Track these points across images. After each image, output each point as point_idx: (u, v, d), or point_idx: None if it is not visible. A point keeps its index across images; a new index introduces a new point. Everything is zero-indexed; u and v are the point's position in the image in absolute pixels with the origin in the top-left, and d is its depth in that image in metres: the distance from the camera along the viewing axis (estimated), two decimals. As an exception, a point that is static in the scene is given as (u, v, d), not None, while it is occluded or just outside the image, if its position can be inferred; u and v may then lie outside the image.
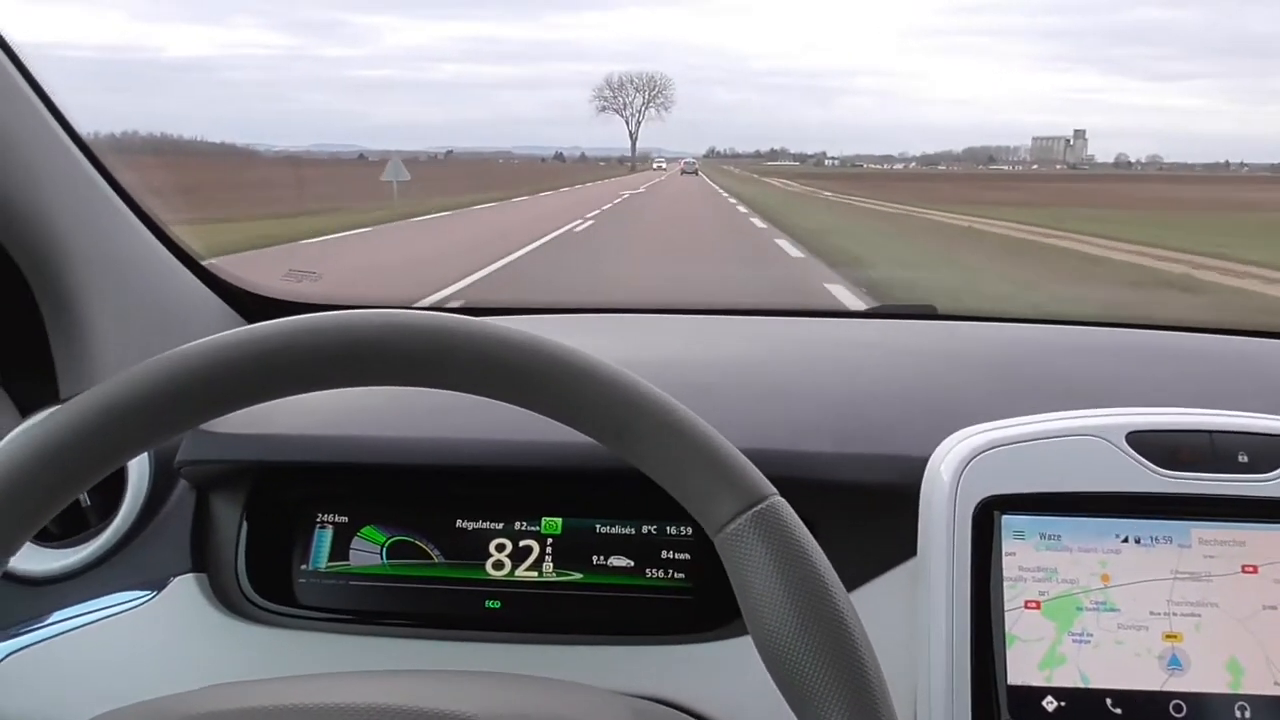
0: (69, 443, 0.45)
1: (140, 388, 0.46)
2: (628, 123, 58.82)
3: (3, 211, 0.82)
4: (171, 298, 1.03)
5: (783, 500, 0.46)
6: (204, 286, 1.07)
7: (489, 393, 0.48)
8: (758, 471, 0.47)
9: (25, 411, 0.88)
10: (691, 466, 0.46)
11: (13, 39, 0.81)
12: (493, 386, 0.48)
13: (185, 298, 1.05)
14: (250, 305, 1.12)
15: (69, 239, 0.87)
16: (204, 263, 1.08)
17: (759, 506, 0.45)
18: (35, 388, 0.91)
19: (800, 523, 0.46)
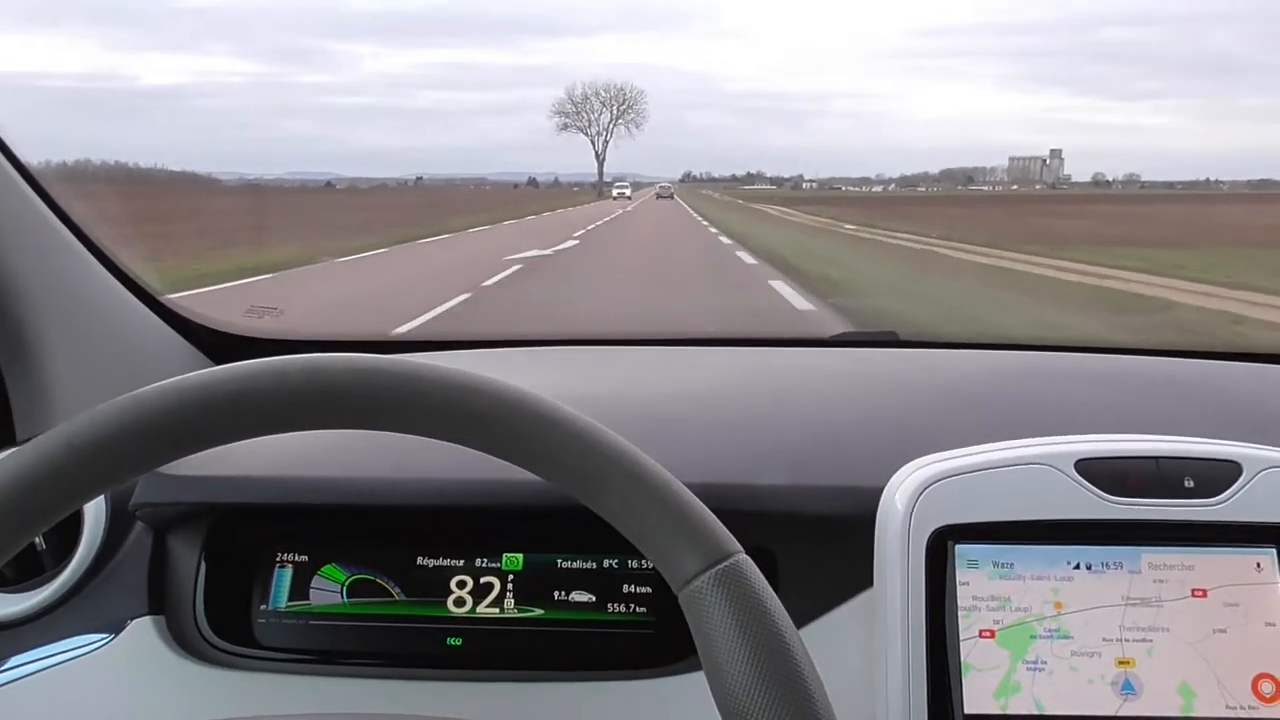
0: (32, 481, 0.45)
1: (105, 428, 0.46)
2: (593, 142, 49.63)
3: None
4: (130, 336, 1.04)
5: (747, 558, 0.47)
6: (163, 323, 1.08)
7: (455, 439, 0.49)
8: (723, 528, 0.48)
9: (-20, 453, 0.89)
10: (656, 521, 0.47)
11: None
12: (459, 433, 0.49)
13: (145, 335, 1.05)
14: (211, 341, 1.12)
15: (23, 278, 0.88)
16: (163, 298, 1.09)
17: (722, 564, 0.46)
18: None
19: (764, 582, 0.47)
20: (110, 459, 0.46)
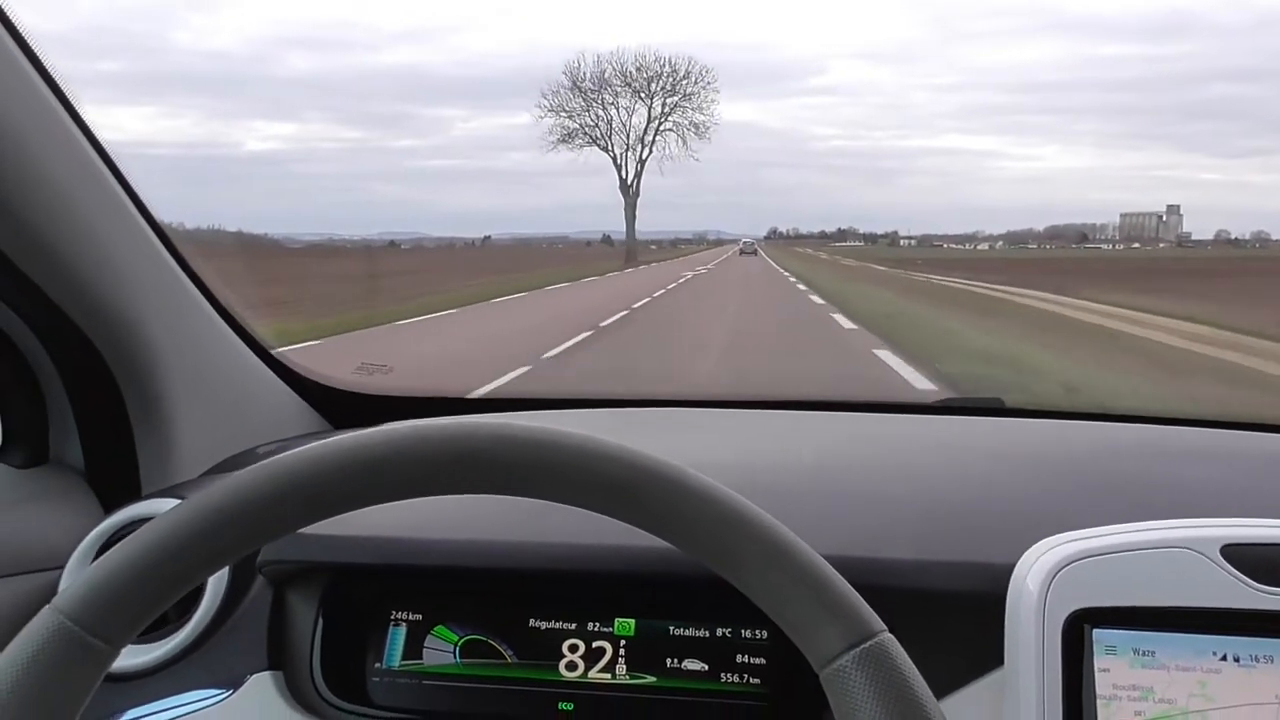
0: (182, 545, 0.49)
1: (248, 494, 0.50)
2: (616, 160, 30.01)
3: (94, 311, 0.90)
4: (248, 391, 1.10)
5: (892, 638, 0.48)
6: (279, 380, 1.14)
7: (591, 506, 0.51)
8: (866, 606, 0.49)
9: (108, 506, 0.95)
10: (797, 597, 0.49)
11: (108, 143, 0.89)
12: (596, 500, 0.51)
13: (262, 392, 1.12)
14: (323, 398, 1.18)
15: (155, 337, 0.95)
16: (278, 355, 1.15)
17: (868, 644, 0.47)
18: (117, 482, 0.98)
19: (909, 662, 0.48)
20: (256, 523, 0.50)
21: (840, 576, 0.49)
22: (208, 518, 0.50)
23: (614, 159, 30.45)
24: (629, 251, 32.74)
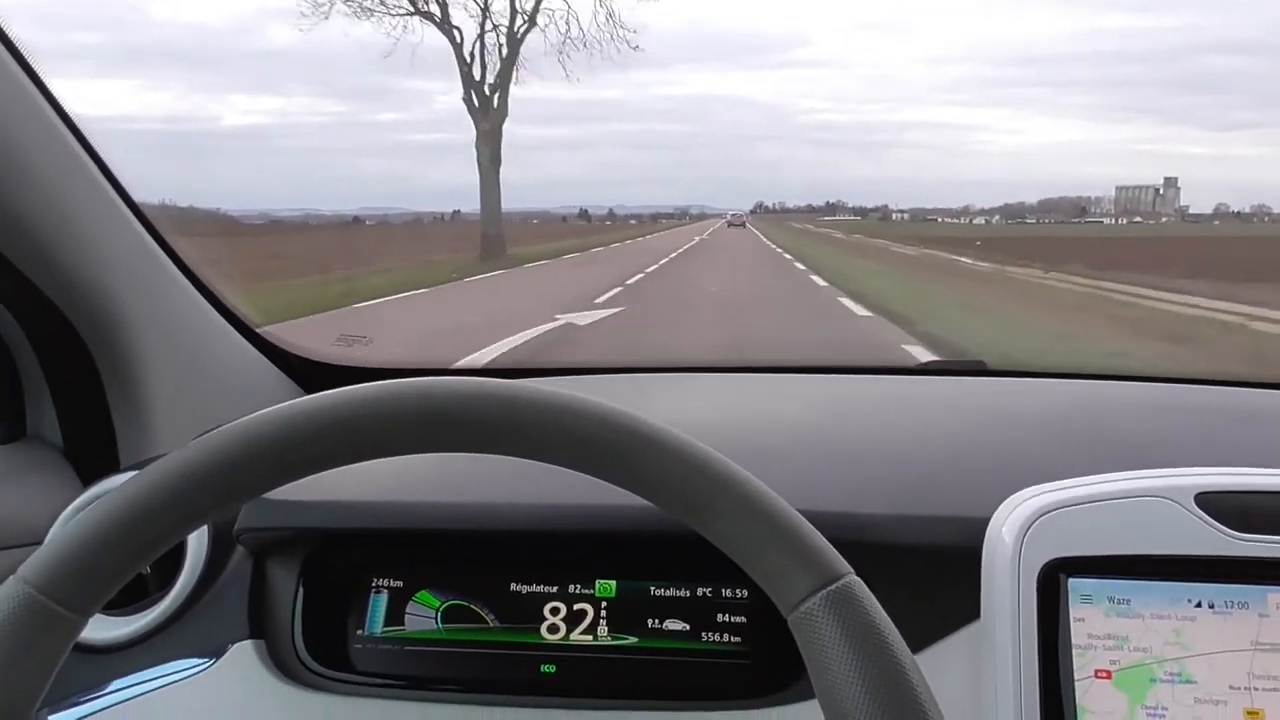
0: (149, 509, 0.49)
1: (218, 454, 0.50)
2: (456, 37, 15.70)
3: (68, 286, 0.90)
4: (227, 365, 1.11)
5: (858, 579, 0.49)
6: (258, 352, 1.15)
7: (562, 462, 0.52)
8: (832, 549, 0.49)
9: (86, 480, 0.95)
10: (765, 543, 0.49)
11: (79, 117, 0.89)
12: (566, 456, 0.51)
13: (241, 364, 1.12)
14: (303, 370, 1.19)
15: (131, 311, 0.95)
16: (256, 328, 1.16)
17: (834, 586, 0.48)
18: (95, 457, 0.98)
19: (876, 603, 0.48)
20: (224, 485, 0.50)
21: (807, 523, 0.50)
22: (173, 482, 0.49)
23: (451, 36, 16.19)
24: (487, 239, 16.96)
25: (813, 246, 26.59)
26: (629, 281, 13.18)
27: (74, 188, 0.89)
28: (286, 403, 0.52)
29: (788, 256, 21.08)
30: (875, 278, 14.56)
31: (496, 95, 16.14)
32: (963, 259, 20.18)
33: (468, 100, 16.22)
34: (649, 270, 15.82)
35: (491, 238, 17.29)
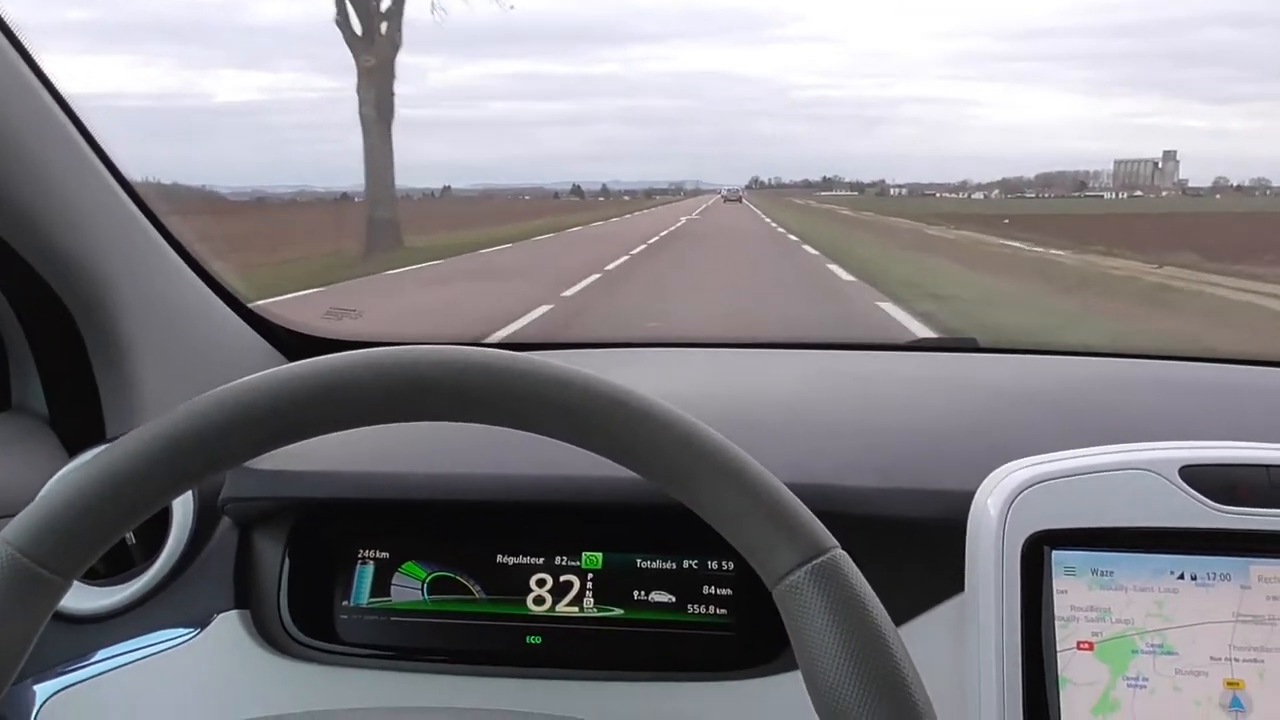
0: (133, 472, 0.49)
1: (200, 420, 0.50)
2: None
3: (53, 258, 0.90)
4: (215, 338, 1.10)
5: (843, 553, 0.49)
6: (247, 326, 1.15)
7: (546, 431, 0.52)
8: (818, 523, 0.49)
9: (73, 451, 0.96)
10: (750, 516, 0.49)
11: (67, 91, 0.89)
12: (551, 426, 0.51)
13: (228, 337, 1.12)
14: (291, 343, 1.19)
15: (116, 282, 0.95)
16: (244, 301, 1.16)
17: (819, 559, 0.48)
18: (82, 428, 0.98)
19: (861, 577, 0.48)
20: (206, 452, 0.50)
21: (793, 495, 0.50)
22: (156, 447, 0.49)
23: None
24: (375, 226, 12.15)
25: (829, 229, 22.00)
26: (566, 294, 9.04)
27: (60, 160, 0.88)
28: (270, 370, 0.52)
29: (811, 250, 15.49)
30: (968, 289, 9.93)
31: (386, 23, 11.12)
32: (1027, 247, 16.60)
33: (342, 22, 11.46)
34: (609, 269, 11.80)
35: (381, 224, 11.83)
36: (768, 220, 26.65)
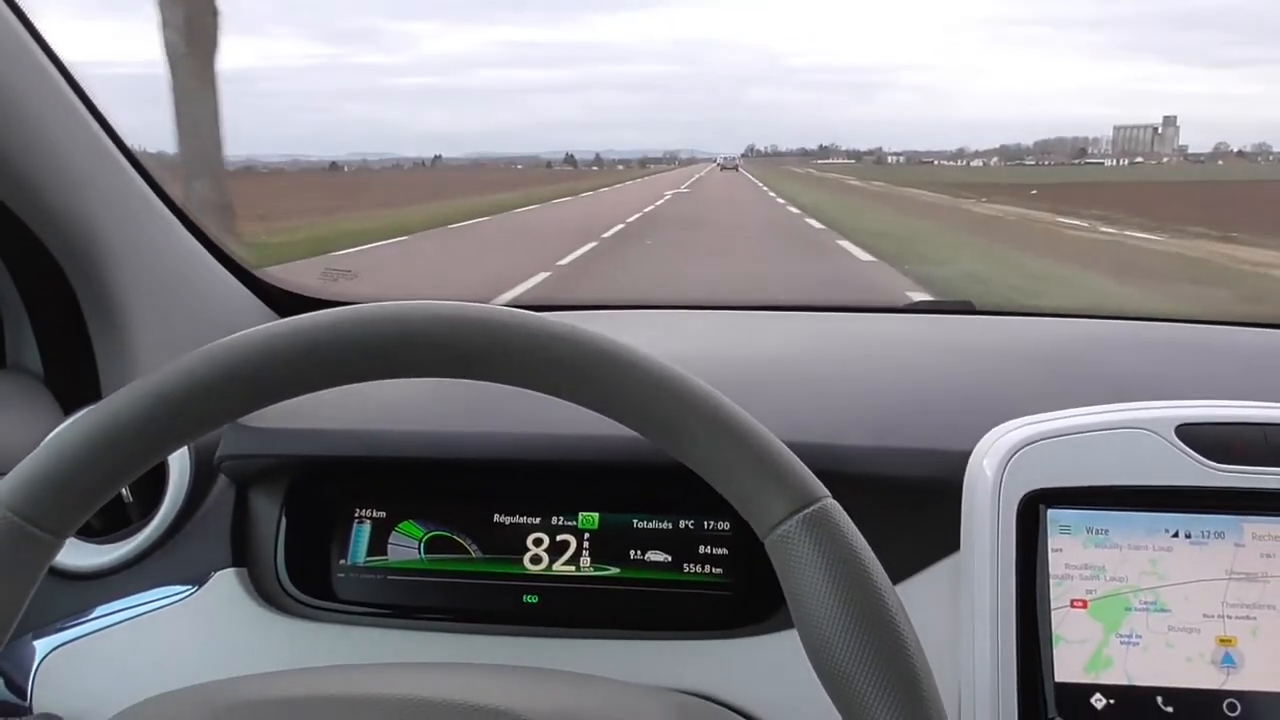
0: (123, 430, 0.49)
1: (191, 377, 0.49)
2: None
3: (47, 216, 0.90)
4: (210, 298, 1.10)
5: (834, 503, 0.49)
6: (242, 286, 1.14)
7: (537, 386, 0.51)
8: (809, 473, 0.49)
9: (68, 410, 0.96)
10: (742, 467, 0.49)
11: (63, 54, 0.89)
12: (542, 380, 0.51)
13: (224, 297, 1.12)
14: (286, 304, 1.18)
15: (110, 241, 0.95)
16: (240, 262, 1.15)
17: (810, 509, 0.48)
18: (77, 387, 0.98)
19: (852, 525, 0.48)
20: (197, 408, 0.49)
21: (784, 446, 0.50)
22: (147, 404, 0.49)
23: None
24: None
25: (852, 206, 18.59)
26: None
27: (54, 119, 0.88)
28: (261, 326, 0.51)
29: (846, 244, 12.35)
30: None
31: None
32: (1090, 225, 14.04)
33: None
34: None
35: (202, 207, 5.80)
36: (771, 194, 22.69)
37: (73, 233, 0.92)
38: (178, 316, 1.04)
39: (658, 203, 19.50)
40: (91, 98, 0.92)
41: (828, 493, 0.49)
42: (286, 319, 0.52)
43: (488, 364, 0.51)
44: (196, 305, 1.08)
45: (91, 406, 0.50)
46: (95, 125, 0.93)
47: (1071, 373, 0.95)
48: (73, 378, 0.98)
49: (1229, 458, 0.70)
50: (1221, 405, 0.73)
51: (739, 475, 0.49)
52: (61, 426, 0.87)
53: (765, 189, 26.70)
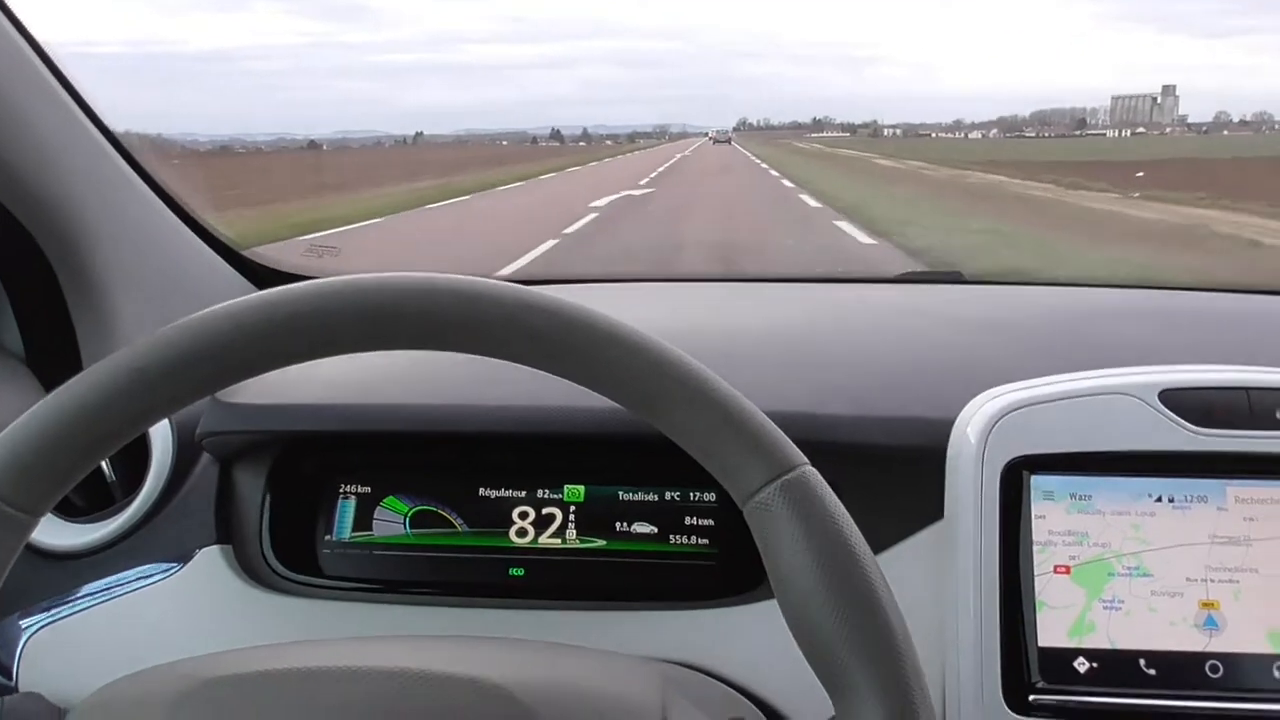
0: (98, 405, 0.48)
1: (168, 350, 0.49)
2: None
3: (25, 194, 0.89)
4: (194, 276, 1.10)
5: (813, 470, 0.49)
6: (223, 261, 1.14)
7: (515, 357, 0.51)
8: (788, 440, 0.49)
9: (50, 389, 0.96)
10: (720, 435, 0.49)
11: (39, 35, 0.89)
12: (520, 351, 0.51)
13: (208, 275, 1.12)
14: (269, 279, 1.18)
15: (90, 218, 0.94)
16: (221, 237, 1.15)
17: (788, 476, 0.48)
18: (58, 364, 0.98)
19: (831, 492, 0.48)
20: (173, 382, 0.49)
21: (761, 413, 0.50)
22: (122, 378, 0.49)
23: None
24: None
25: (886, 193, 14.94)
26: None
27: (30, 97, 0.87)
28: (238, 299, 0.51)
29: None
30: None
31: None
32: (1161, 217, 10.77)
33: None
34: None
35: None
36: (774, 174, 19.21)
37: (51, 212, 0.92)
38: (160, 295, 1.04)
39: (640, 185, 16.68)
40: (68, 77, 0.92)
41: (806, 460, 0.49)
42: (264, 291, 0.52)
43: (465, 335, 0.51)
44: (179, 283, 1.08)
45: (64, 384, 0.50)
46: (72, 104, 0.92)
47: (1058, 340, 0.96)
48: (54, 357, 0.98)
49: (1212, 421, 0.71)
50: (1204, 370, 0.74)
51: (717, 443, 0.49)
52: (35, 405, 0.87)
53: (761, 163, 21.88)
